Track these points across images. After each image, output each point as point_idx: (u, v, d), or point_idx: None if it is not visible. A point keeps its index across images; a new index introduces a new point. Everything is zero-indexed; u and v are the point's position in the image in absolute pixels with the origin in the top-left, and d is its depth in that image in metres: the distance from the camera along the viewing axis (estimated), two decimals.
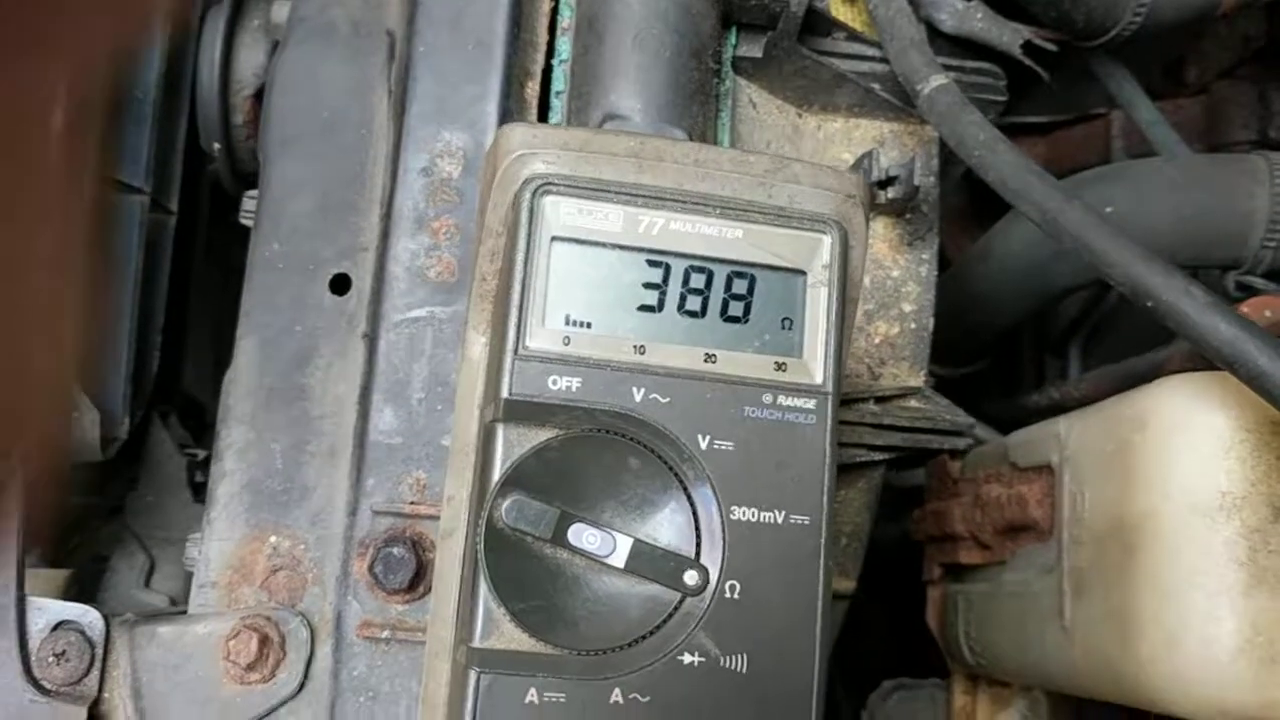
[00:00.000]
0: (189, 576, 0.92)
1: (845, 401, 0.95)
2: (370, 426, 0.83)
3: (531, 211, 0.67)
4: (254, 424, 0.86)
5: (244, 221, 0.93)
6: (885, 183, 0.93)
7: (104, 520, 1.17)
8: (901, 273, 0.98)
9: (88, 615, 0.84)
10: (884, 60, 0.98)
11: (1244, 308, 0.97)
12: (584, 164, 0.68)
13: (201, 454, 1.13)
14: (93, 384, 0.99)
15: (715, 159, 0.70)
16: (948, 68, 0.97)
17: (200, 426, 1.32)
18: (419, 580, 0.79)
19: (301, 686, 0.81)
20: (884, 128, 1.00)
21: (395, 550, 0.79)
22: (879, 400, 0.96)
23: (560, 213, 0.67)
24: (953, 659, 1.18)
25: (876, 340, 0.97)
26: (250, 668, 0.80)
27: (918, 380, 0.97)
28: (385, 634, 0.80)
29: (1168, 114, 1.40)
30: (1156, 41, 1.36)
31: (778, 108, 0.98)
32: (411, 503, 0.82)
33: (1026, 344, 1.58)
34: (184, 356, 1.28)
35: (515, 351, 0.65)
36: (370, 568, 0.80)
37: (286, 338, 0.87)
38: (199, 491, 1.11)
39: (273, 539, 0.84)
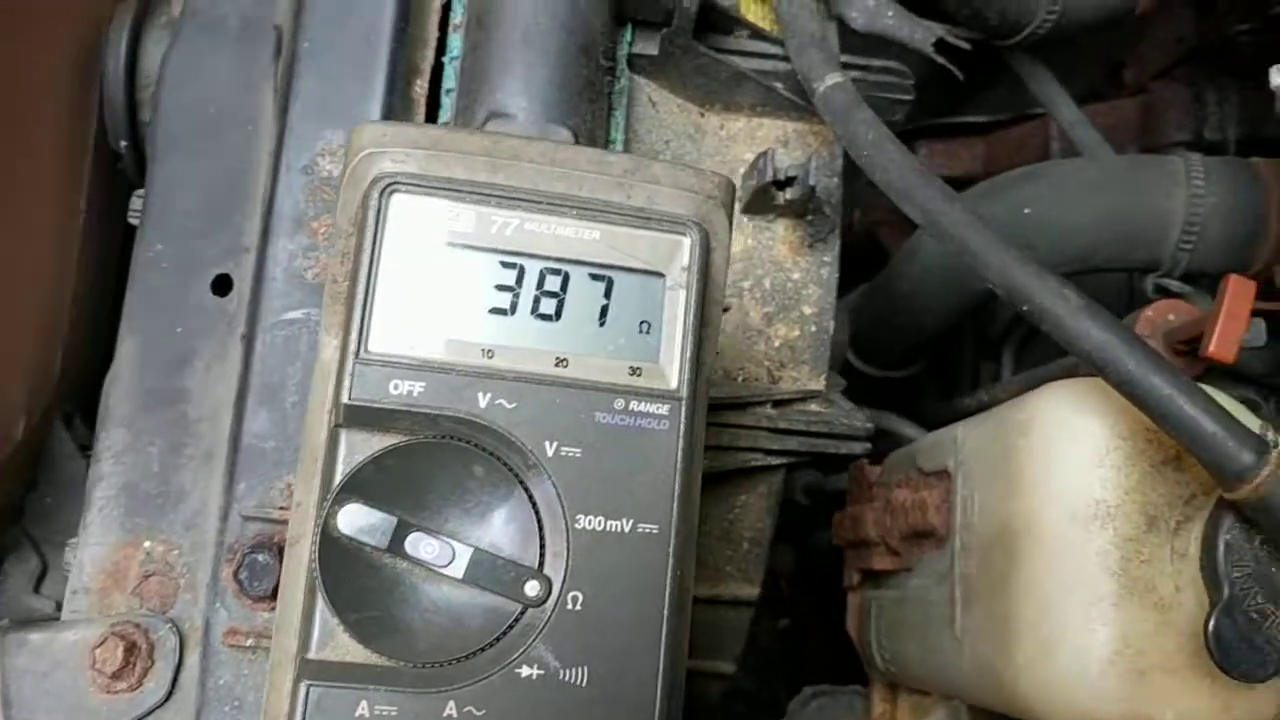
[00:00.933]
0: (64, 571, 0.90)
1: (742, 405, 0.94)
2: (244, 430, 0.82)
3: (379, 211, 0.65)
4: (132, 426, 0.85)
5: (131, 221, 0.91)
6: (783, 183, 0.91)
7: (6, 523, 1.15)
8: (802, 275, 0.96)
9: None
10: (787, 59, 0.96)
11: (1148, 311, 0.96)
12: (434, 163, 0.66)
13: None
14: None
15: (573, 158, 0.68)
16: (854, 66, 0.96)
17: None
18: None
19: (169, 696, 0.79)
20: (788, 127, 0.99)
21: (260, 557, 0.78)
22: (777, 404, 0.94)
23: (409, 212, 0.65)
24: (869, 666, 1.17)
25: (776, 343, 0.95)
26: (116, 676, 0.78)
27: (817, 383, 0.96)
28: (250, 642, 0.78)
29: (1105, 115, 1.39)
30: (1092, 43, 1.35)
31: (678, 106, 0.97)
32: (281, 508, 0.80)
33: (966, 347, 1.56)
34: (101, 353, 1.26)
35: (356, 355, 0.64)
36: (235, 574, 0.78)
37: (167, 339, 0.86)
38: None
39: (147, 544, 0.83)
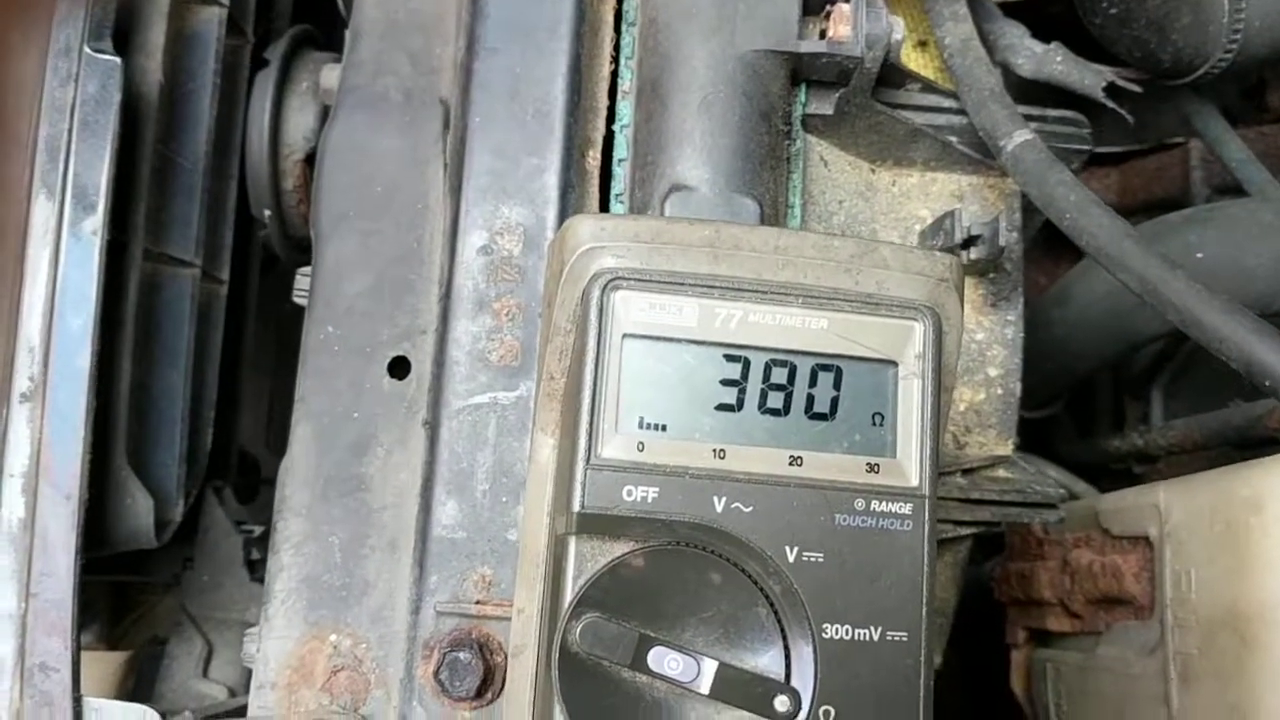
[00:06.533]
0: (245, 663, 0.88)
1: None
2: (433, 520, 0.79)
3: (601, 308, 0.63)
4: (311, 516, 0.82)
5: (297, 301, 0.89)
6: (967, 242, 0.88)
7: (159, 596, 1.14)
8: (986, 335, 0.93)
9: (146, 718, 0.81)
10: (961, 112, 0.92)
11: None
12: (656, 256, 0.64)
13: (257, 530, 1.10)
14: (145, 468, 0.96)
15: (797, 245, 0.65)
16: (1028, 117, 0.91)
17: (255, 484, 1.29)
18: (487, 686, 0.75)
19: None
20: (962, 181, 0.95)
21: (461, 655, 0.75)
22: (965, 472, 0.91)
23: (631, 308, 0.63)
24: None
25: (961, 407, 0.92)
26: None
27: (1005, 448, 0.92)
28: None
29: (1250, 141, 1.34)
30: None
31: (850, 164, 0.93)
32: (477, 601, 0.78)
33: (1103, 385, 1.52)
34: (238, 417, 1.25)
35: (587, 460, 0.61)
36: (436, 674, 0.75)
37: (344, 424, 0.84)
38: (255, 569, 1.08)
39: (333, 637, 0.80)
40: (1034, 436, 1.49)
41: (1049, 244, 1.48)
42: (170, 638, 1.04)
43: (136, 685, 1.02)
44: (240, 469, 1.27)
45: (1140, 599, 0.90)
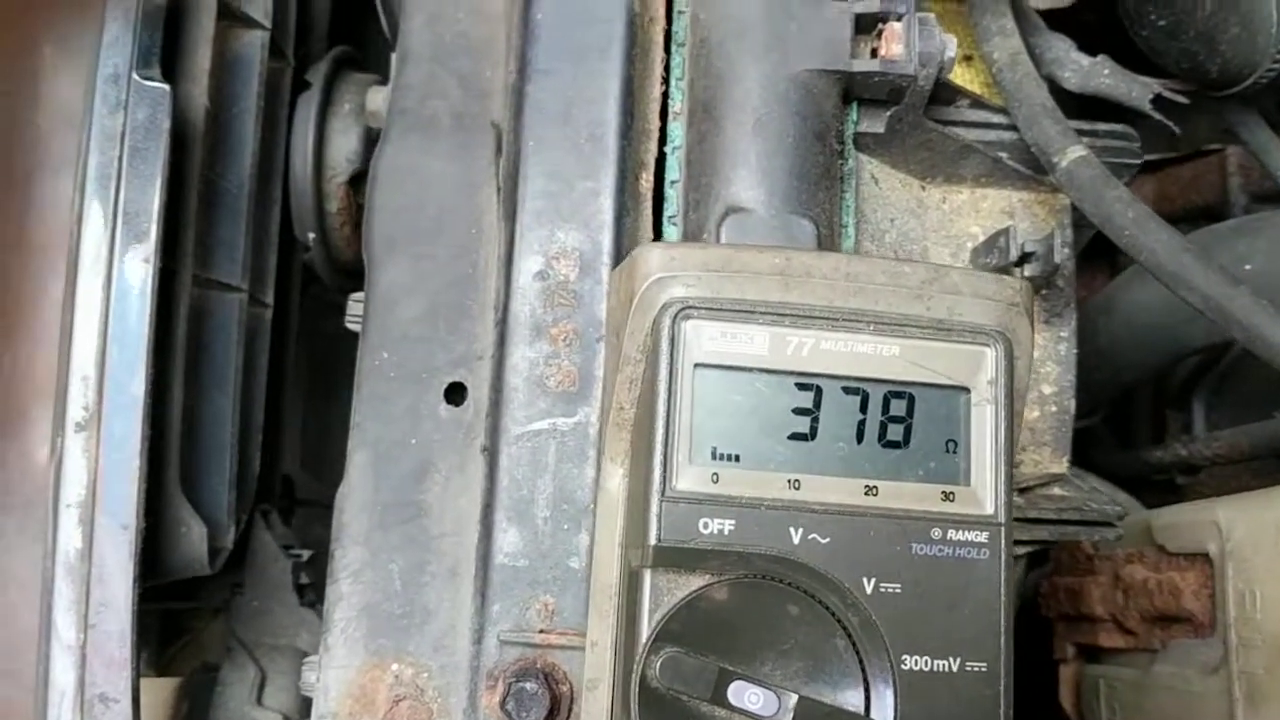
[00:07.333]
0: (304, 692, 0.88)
1: None
2: (494, 547, 0.79)
3: (672, 338, 0.62)
4: (369, 543, 0.82)
5: (350, 327, 0.89)
6: (1022, 259, 0.87)
7: (206, 622, 1.14)
8: (1040, 352, 0.92)
9: None
10: (1011, 127, 0.92)
11: None
12: (726, 284, 0.64)
13: (305, 554, 1.10)
14: (197, 494, 0.96)
15: (867, 272, 0.65)
16: (1079, 132, 0.91)
17: (291, 504, 1.29)
18: (553, 716, 0.75)
19: None
20: (1013, 197, 0.95)
21: (528, 685, 0.75)
22: (1022, 490, 0.90)
23: (703, 337, 0.63)
24: None
25: None
26: None
27: (1060, 466, 0.91)
28: None
29: None
30: None
31: (900, 182, 0.93)
32: (541, 630, 0.77)
33: (1141, 395, 1.51)
34: (282, 440, 1.25)
35: (662, 493, 0.61)
36: (502, 704, 0.75)
37: (401, 451, 0.83)
38: (304, 594, 1.08)
39: (394, 666, 0.80)
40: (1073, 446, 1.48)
41: (1083, 257, 1.47)
42: (222, 664, 1.04)
43: (190, 712, 1.02)
44: (281, 492, 1.27)
45: (1200, 617, 0.89)
